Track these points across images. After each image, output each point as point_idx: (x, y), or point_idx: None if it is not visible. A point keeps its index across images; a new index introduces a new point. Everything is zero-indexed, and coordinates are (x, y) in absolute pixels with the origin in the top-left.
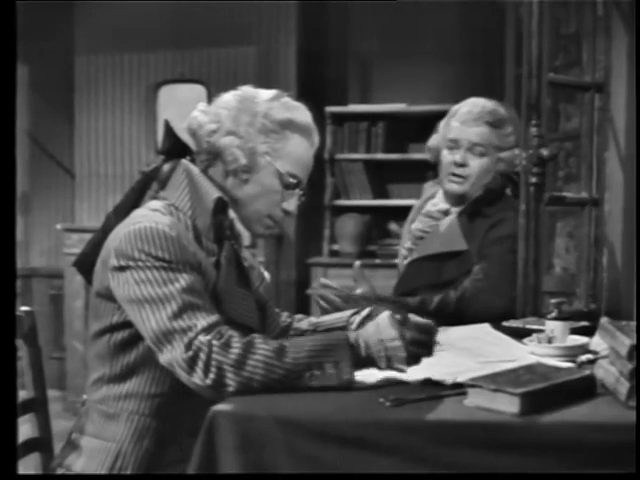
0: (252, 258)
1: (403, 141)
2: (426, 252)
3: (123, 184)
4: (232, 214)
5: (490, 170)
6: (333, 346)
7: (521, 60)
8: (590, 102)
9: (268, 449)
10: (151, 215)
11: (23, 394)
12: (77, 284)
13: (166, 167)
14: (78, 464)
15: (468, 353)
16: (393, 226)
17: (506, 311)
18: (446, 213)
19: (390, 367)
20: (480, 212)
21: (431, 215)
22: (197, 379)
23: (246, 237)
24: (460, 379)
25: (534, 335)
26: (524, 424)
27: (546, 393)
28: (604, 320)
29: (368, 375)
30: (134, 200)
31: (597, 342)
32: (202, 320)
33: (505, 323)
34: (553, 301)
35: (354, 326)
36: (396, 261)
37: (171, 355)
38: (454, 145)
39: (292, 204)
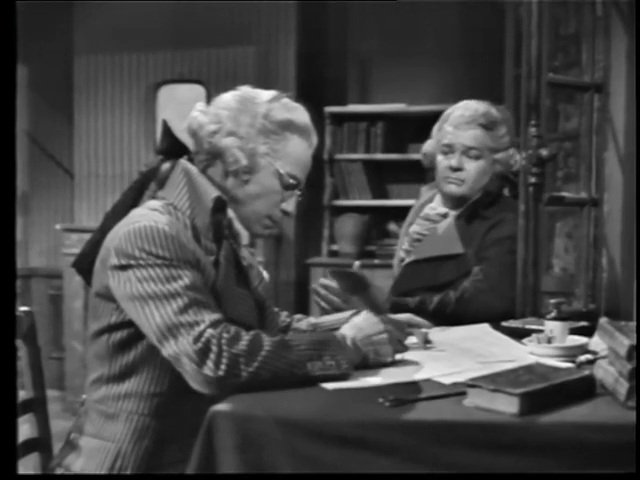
0: (251, 257)
1: (402, 141)
2: (423, 255)
3: (122, 184)
4: (231, 213)
5: (487, 172)
6: (328, 341)
7: (520, 60)
8: (589, 102)
9: (267, 449)
10: (150, 214)
11: (22, 394)
12: (76, 284)
13: (164, 167)
14: (77, 464)
15: (468, 353)
16: (392, 226)
17: (506, 311)
18: (445, 216)
19: (377, 360)
20: (478, 214)
21: (429, 218)
22: (208, 370)
23: (245, 236)
24: (460, 379)
25: (533, 335)
26: (523, 424)
27: (545, 393)
28: (603, 320)
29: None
30: (132, 200)
31: (596, 342)
32: (208, 316)
33: (504, 323)
34: (552, 301)
35: None
36: (392, 262)
37: (178, 348)
38: (449, 150)
39: (291, 204)
